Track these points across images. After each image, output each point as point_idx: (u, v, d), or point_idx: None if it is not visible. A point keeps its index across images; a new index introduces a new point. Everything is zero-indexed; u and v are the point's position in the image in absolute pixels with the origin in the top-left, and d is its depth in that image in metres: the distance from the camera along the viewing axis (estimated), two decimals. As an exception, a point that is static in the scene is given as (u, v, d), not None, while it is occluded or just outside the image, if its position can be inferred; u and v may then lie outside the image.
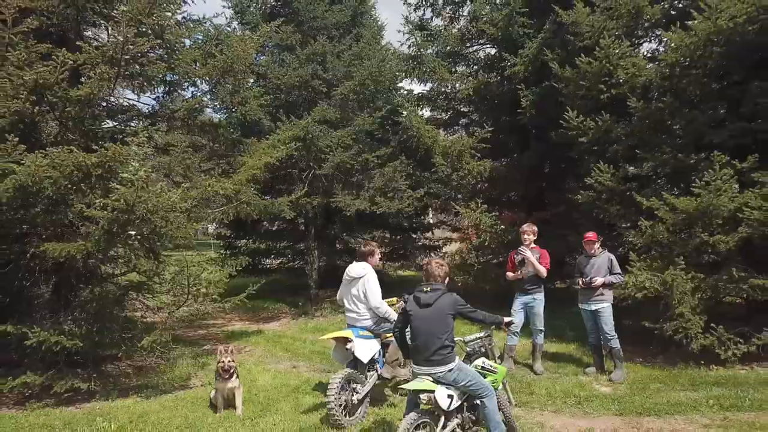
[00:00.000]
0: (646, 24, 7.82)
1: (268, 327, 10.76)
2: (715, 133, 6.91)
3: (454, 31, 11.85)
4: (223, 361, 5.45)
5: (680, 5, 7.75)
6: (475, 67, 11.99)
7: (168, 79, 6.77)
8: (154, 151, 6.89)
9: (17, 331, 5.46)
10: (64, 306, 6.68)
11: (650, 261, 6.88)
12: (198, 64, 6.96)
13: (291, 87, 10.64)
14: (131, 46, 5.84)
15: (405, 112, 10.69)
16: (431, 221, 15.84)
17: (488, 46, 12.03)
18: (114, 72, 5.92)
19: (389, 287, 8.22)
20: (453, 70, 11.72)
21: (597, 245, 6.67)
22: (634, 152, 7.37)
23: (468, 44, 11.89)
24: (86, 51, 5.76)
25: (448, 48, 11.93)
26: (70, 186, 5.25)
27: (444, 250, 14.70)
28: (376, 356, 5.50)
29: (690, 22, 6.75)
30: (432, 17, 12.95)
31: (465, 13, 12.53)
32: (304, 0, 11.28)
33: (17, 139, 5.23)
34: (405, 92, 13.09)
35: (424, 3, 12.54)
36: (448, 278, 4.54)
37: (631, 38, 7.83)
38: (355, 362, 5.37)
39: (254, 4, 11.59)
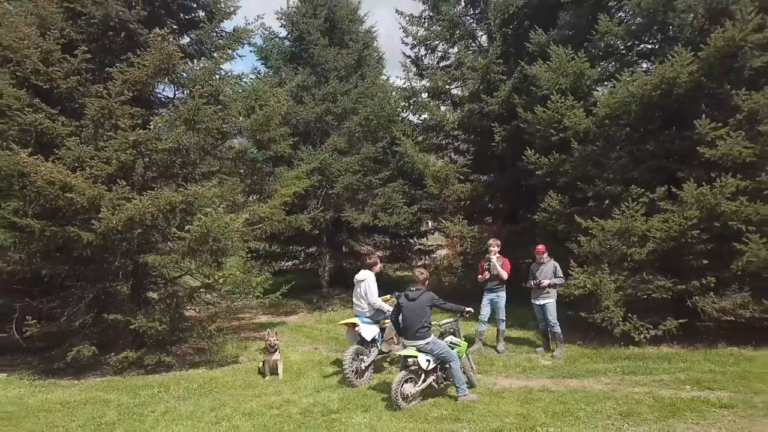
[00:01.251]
0: (588, 81, 9.83)
1: (289, 319, 12.80)
2: (636, 169, 8.94)
3: (439, 72, 13.81)
4: (270, 340, 7.49)
5: (611, 68, 9.80)
6: (459, 101, 14.05)
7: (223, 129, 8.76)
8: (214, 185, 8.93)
9: (123, 320, 7.49)
10: (142, 301, 8.73)
11: (586, 267, 8.92)
12: (242, 117, 8.98)
13: (308, 122, 12.67)
14: (200, 110, 7.89)
15: (402, 144, 12.73)
16: (428, 228, 17.89)
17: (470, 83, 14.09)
18: (188, 128, 7.97)
19: (389, 285, 10.27)
20: (440, 105, 13.80)
21: (545, 255, 8.69)
22: (577, 184, 9.41)
23: (453, 83, 13.92)
24: (169, 113, 7.80)
25: (439, 84, 13.98)
26: (162, 216, 7.29)
27: (436, 254, 16.76)
28: (377, 336, 7.52)
29: (611, 86, 8.80)
30: (426, 54, 15.02)
31: (453, 54, 14.59)
32: (319, 47, 13.31)
33: (124, 182, 7.28)
34: (402, 120, 15.12)
35: (418, 43, 14.60)
36: (427, 281, 6.60)
37: (576, 93, 9.84)
38: (361, 341, 7.39)
39: (276, 51, 13.62)
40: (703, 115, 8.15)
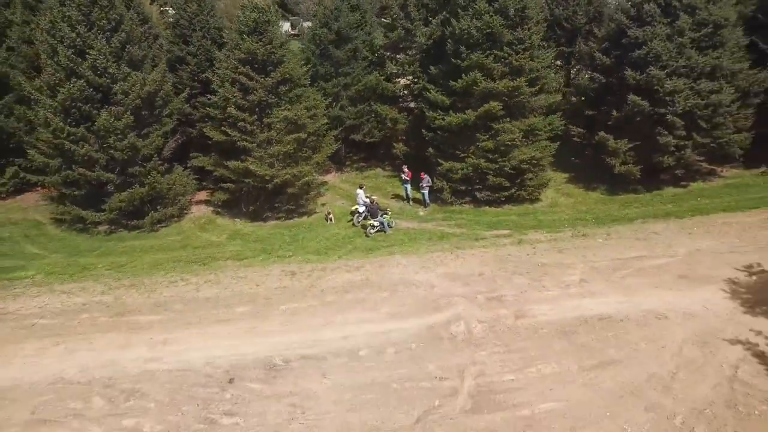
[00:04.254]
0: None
1: (327, 178, 26.22)
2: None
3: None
4: (327, 211, 21.24)
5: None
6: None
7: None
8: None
9: (242, 169, 21.12)
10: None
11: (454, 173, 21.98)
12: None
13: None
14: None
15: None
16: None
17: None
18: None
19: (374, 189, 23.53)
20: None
21: (422, 175, 21.70)
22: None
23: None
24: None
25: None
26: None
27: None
28: (364, 210, 21.14)
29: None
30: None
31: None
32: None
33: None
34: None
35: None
36: (375, 201, 20.12)
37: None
38: (360, 213, 21.01)
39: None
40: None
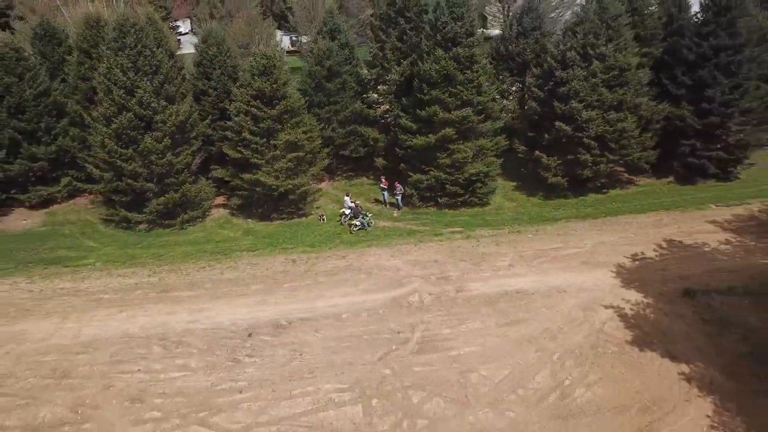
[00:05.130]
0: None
1: (321, 185, 31.40)
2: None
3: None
4: (320, 213, 26.45)
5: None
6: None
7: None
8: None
9: (254, 180, 26.31)
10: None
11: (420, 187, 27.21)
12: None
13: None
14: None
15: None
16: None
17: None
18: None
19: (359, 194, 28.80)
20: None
21: (396, 184, 26.90)
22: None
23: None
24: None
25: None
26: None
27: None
28: (349, 212, 26.32)
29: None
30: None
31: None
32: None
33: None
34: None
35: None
36: (359, 204, 25.38)
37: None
38: (346, 215, 26.23)
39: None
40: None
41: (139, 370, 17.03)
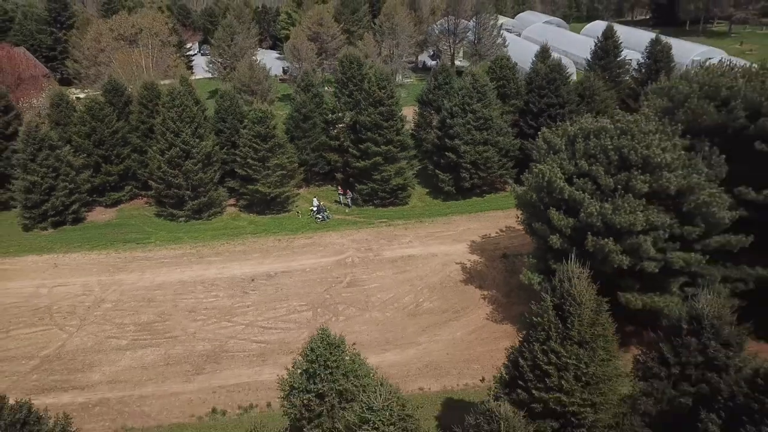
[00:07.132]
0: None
1: (300, 191, 44.38)
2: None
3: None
4: (298, 210, 39.52)
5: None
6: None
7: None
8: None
9: (254, 189, 39.42)
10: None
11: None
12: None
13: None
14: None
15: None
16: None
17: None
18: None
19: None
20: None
21: (347, 191, 39.98)
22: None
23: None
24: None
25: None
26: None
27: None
28: (316, 209, 39.31)
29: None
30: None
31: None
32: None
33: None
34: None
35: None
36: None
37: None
38: (314, 211, 39.27)
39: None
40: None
41: (191, 297, 30.18)
